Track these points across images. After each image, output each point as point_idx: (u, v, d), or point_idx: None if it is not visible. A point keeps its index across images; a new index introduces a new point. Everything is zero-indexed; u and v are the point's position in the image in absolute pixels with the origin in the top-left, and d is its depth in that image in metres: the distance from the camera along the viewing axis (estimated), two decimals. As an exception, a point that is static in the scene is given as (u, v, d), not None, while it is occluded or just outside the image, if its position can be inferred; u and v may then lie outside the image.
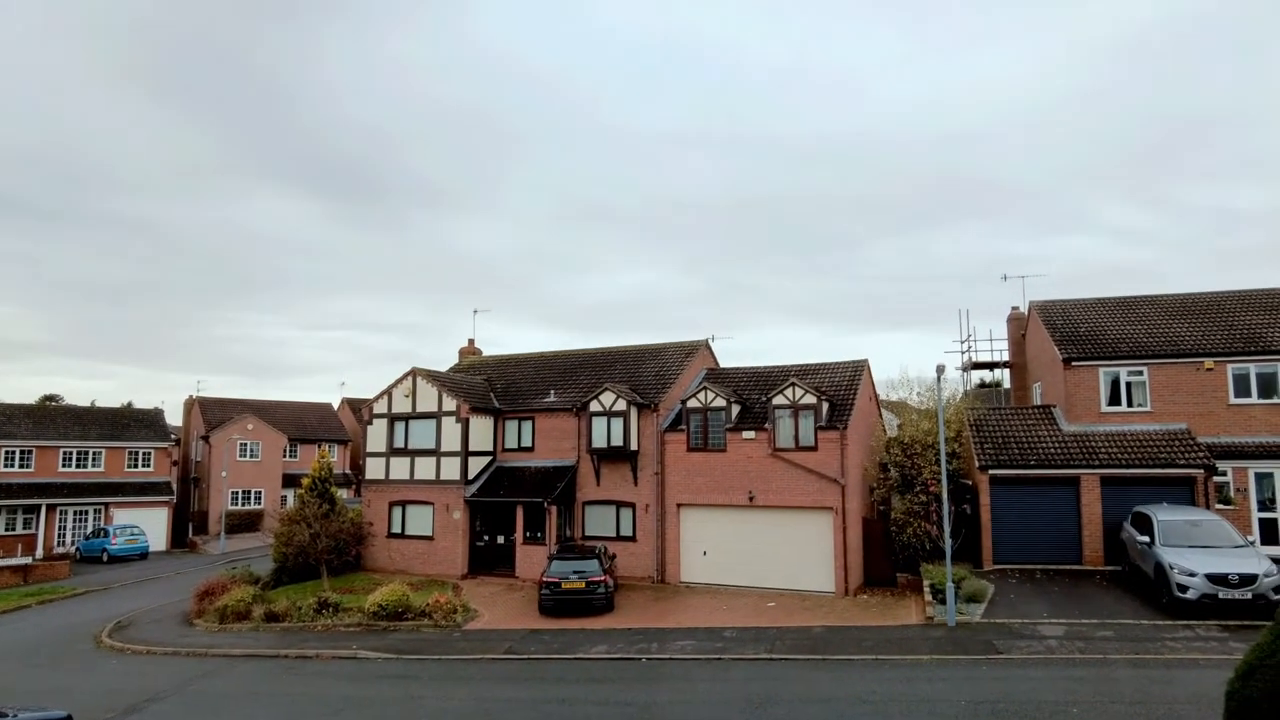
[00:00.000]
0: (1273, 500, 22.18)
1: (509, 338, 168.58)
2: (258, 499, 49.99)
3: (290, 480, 49.42)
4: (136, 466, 44.74)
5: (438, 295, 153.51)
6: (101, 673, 17.94)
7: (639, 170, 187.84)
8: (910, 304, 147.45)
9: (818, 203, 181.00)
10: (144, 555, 39.86)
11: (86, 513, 42.13)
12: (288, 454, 53.24)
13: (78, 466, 42.75)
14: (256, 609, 22.27)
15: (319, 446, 52.04)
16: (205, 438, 49.48)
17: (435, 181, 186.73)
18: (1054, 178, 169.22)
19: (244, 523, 47.68)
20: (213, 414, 50.99)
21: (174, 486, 46.43)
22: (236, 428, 49.19)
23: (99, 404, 50.27)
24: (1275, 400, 23.15)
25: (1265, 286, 26.90)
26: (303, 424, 57.18)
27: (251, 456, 50.00)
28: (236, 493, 48.91)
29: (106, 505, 42.40)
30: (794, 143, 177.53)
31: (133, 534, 39.99)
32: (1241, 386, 23.52)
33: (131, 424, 46.02)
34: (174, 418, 56.22)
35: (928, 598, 19.53)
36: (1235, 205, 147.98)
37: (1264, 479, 22.27)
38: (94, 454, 43.43)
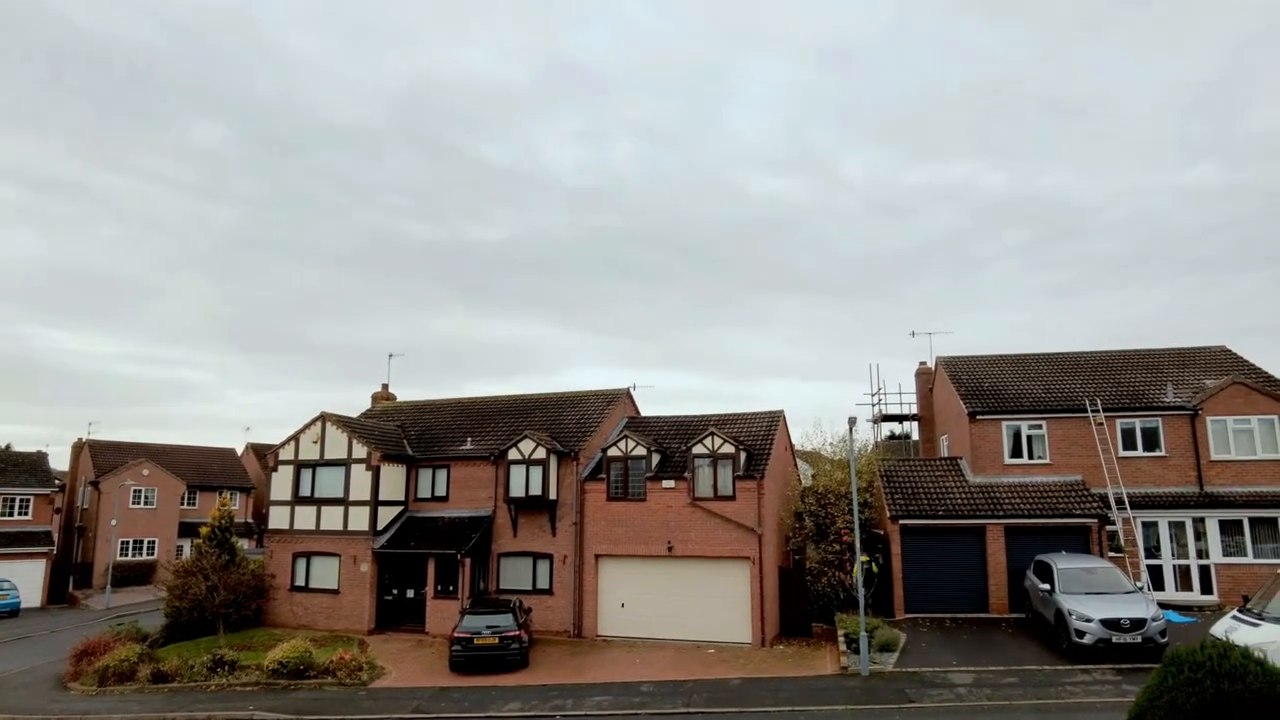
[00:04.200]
0: (1158, 547, 23.48)
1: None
2: (150, 549, 46.94)
3: (188, 529, 46.59)
4: (12, 514, 41.40)
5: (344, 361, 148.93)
6: (-42, 745, 16.32)
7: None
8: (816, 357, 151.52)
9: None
10: (14, 612, 36.67)
11: (-50, 565, 38.63)
12: (186, 501, 50.35)
13: (-57, 514, 39.33)
14: (143, 668, 20.74)
15: (220, 494, 49.30)
16: (94, 483, 46.36)
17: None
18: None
19: (134, 575, 44.63)
20: (104, 458, 47.90)
21: (54, 536, 43.15)
22: (130, 473, 46.28)
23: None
24: (1158, 453, 24.68)
25: (1148, 347, 28.97)
26: (203, 470, 54.36)
27: (146, 503, 47.06)
28: (127, 543, 45.82)
29: (-26, 557, 39.00)
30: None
31: (1, 588, 36.86)
32: (1129, 440, 25.01)
33: (8, 468, 42.67)
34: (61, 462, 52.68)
35: (842, 647, 19.75)
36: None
37: (1150, 527, 23.60)
38: (-38, 501, 40.07)
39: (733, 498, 23.77)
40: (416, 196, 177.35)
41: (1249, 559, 22.83)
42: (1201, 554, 23.22)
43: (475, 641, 20.54)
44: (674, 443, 26.62)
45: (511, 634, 20.78)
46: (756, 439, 26.09)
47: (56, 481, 44.82)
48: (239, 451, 61.68)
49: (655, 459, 25.39)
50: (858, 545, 19.90)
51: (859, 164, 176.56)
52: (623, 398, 30.44)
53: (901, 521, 23.72)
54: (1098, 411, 24.92)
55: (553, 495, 25.50)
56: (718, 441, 24.18)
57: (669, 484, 24.55)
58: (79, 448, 50.16)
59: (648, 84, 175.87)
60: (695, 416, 28.85)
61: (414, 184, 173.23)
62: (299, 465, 27.60)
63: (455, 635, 20.88)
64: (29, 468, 43.61)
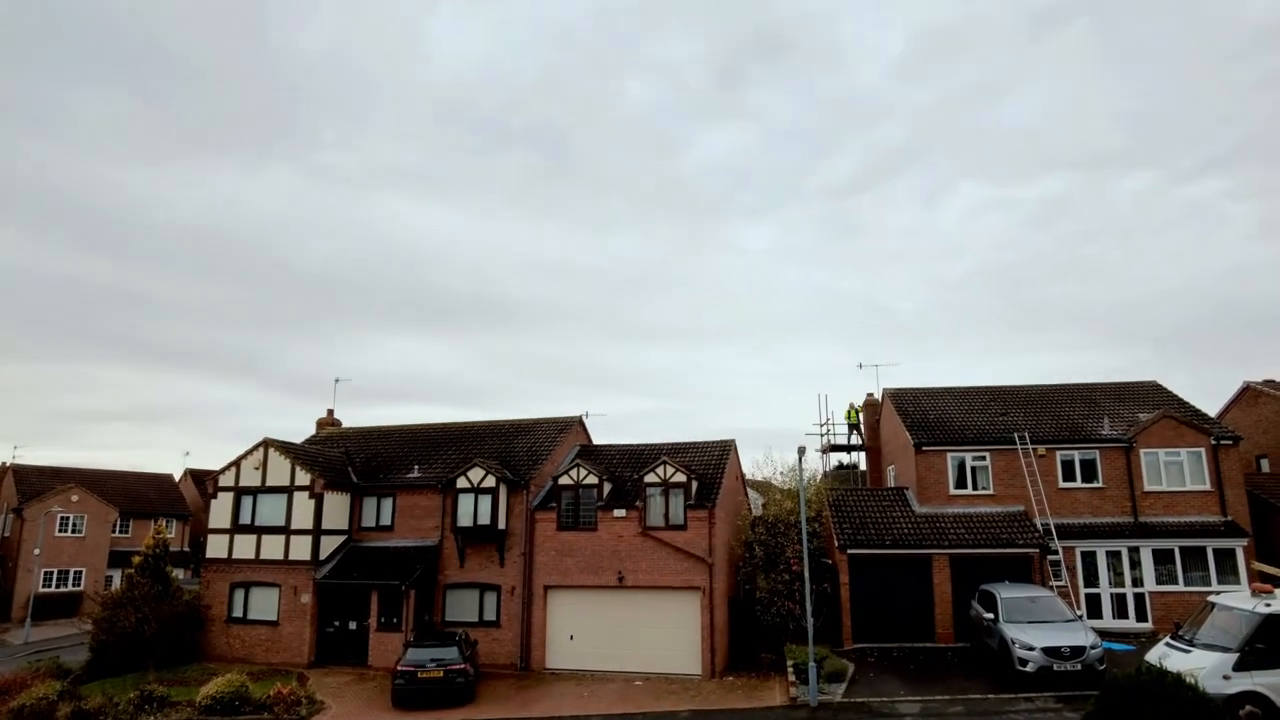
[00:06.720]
0: (1096, 576, 24.11)
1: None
2: (78, 580, 44.79)
3: (120, 558, 44.52)
4: (-73, 543, 39.26)
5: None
6: None
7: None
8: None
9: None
10: (-73, 647, 34.68)
11: None
12: (118, 529, 48.26)
13: None
14: (63, 707, 19.65)
15: (155, 521, 47.47)
16: (18, 510, 44.19)
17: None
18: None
19: (58, 607, 42.46)
20: (31, 484, 45.69)
21: (-28, 567, 40.96)
22: (58, 499, 44.20)
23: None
24: (1095, 485, 25.43)
25: (1083, 381, 29.94)
26: (138, 496, 52.24)
27: (74, 531, 44.94)
28: (52, 573, 43.66)
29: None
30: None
31: (-85, 622, 34.79)
32: (1068, 472, 25.72)
33: (-74, 495, 40.58)
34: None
35: (791, 678, 19.75)
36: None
37: (1088, 557, 24.23)
38: (-128, 529, 37.82)
39: (684, 527, 23.73)
40: None
41: (1180, 586, 23.59)
42: (1136, 582, 23.90)
43: (419, 675, 20.04)
44: (626, 471, 26.53)
45: (457, 667, 20.32)
46: (708, 468, 26.15)
47: (-23, 509, 42.69)
48: (176, 477, 59.59)
49: (607, 488, 25.24)
50: (807, 575, 20.02)
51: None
52: (575, 425, 30.29)
53: (850, 551, 23.94)
54: (1026, 444, 25.62)
55: (502, 525, 25.13)
56: (669, 470, 24.17)
57: (620, 513, 24.41)
58: (2, 473, 47.87)
59: None
60: (647, 445, 28.84)
61: None
62: (239, 492, 26.74)
63: (399, 668, 20.35)
64: (-52, 494, 41.49)
